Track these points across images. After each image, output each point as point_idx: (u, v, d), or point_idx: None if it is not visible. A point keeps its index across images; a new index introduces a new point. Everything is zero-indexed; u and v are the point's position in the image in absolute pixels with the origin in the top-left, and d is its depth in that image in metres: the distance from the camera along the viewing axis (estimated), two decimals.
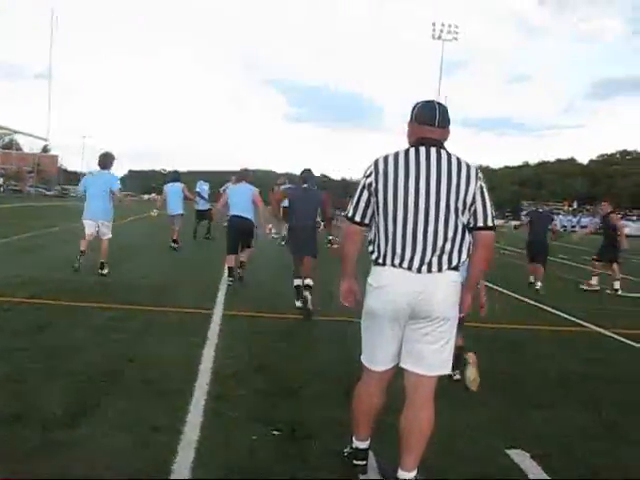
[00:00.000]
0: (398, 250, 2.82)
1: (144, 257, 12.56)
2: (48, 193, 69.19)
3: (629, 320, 8.84)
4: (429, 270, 2.80)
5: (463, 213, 2.84)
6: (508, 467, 3.44)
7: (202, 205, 16.77)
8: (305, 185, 8.07)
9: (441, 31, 60.75)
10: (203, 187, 17.06)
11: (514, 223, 25.92)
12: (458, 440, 3.70)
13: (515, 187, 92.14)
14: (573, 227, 48.26)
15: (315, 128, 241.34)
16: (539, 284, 11.15)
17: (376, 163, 2.89)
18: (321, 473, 3.23)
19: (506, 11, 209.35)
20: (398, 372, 3.03)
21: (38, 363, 4.64)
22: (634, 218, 66.44)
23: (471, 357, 4.63)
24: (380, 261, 2.86)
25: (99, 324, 6.06)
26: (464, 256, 2.87)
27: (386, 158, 2.88)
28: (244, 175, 9.90)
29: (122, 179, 11.32)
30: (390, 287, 2.82)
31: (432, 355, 2.86)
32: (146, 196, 77.14)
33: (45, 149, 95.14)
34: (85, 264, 9.41)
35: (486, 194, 2.87)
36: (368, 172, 2.90)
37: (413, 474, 2.92)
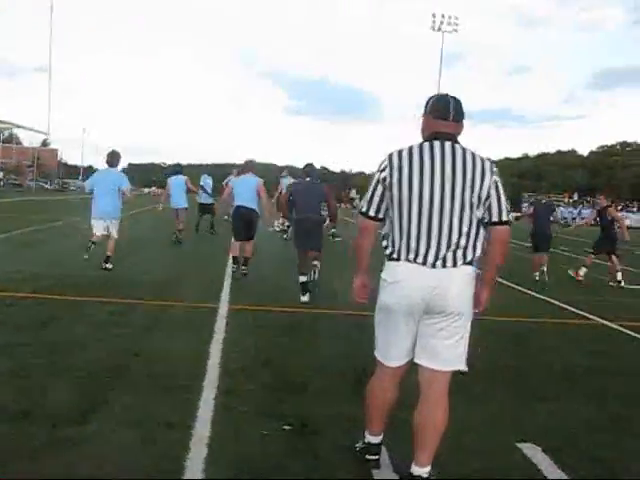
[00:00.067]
0: (413, 245, 2.79)
1: (147, 251, 12.53)
2: (48, 187, 69.13)
3: (633, 312, 8.81)
4: (444, 265, 2.77)
5: (478, 208, 2.81)
6: (520, 461, 3.42)
7: (205, 199, 16.70)
8: (308, 179, 8.27)
9: (441, 22, 60.40)
10: (207, 181, 16.97)
11: (515, 215, 25.92)
12: (468, 435, 3.67)
13: (515, 179, 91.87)
14: (574, 219, 48.26)
15: (314, 121, 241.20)
16: (544, 268, 11.27)
17: (390, 157, 2.86)
18: (333, 468, 3.21)
19: (506, 1, 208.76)
20: (410, 367, 3.02)
21: (42, 358, 4.63)
22: (634, 209, 66.47)
23: None
24: (394, 256, 2.84)
25: (103, 319, 6.05)
26: (478, 251, 2.85)
27: (400, 152, 2.85)
28: (249, 166, 9.97)
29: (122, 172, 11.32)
30: (405, 282, 2.80)
31: (447, 350, 2.84)
32: (146, 190, 77.02)
33: (45, 143, 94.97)
34: (89, 259, 9.43)
35: (501, 189, 2.85)
36: (382, 166, 2.87)
37: (427, 469, 2.90)
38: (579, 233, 19.28)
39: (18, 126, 32.30)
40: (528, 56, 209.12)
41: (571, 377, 5.26)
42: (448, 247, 2.78)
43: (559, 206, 52.69)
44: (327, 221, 9.51)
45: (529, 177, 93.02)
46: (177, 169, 14.95)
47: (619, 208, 65.70)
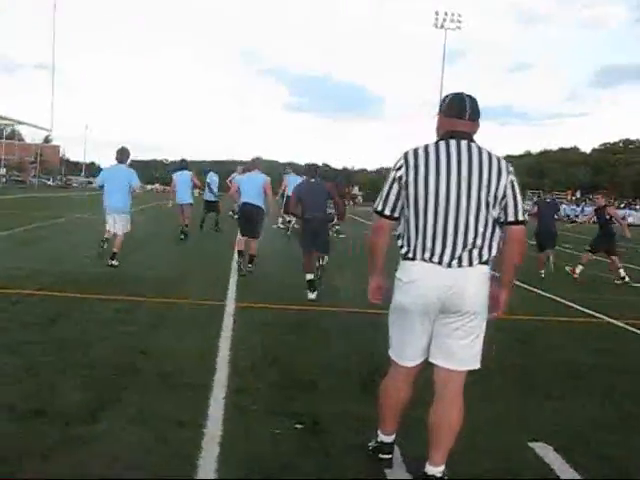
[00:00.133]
0: (428, 244, 2.78)
1: (152, 248, 12.51)
2: (51, 184, 69.13)
3: (638, 310, 8.79)
4: (459, 265, 2.76)
5: (494, 207, 2.80)
6: (532, 461, 3.42)
7: (211, 196, 16.63)
8: (313, 180, 8.39)
9: (444, 20, 60.21)
10: (214, 178, 16.90)
11: None
12: (479, 434, 3.66)
13: (517, 177, 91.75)
14: (577, 216, 48.18)
15: (316, 118, 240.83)
16: (551, 259, 11.48)
17: (406, 156, 2.84)
18: (346, 467, 3.20)
19: None
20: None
21: (51, 356, 4.63)
22: (637, 207, 66.33)
23: None
24: (410, 255, 2.82)
25: (110, 317, 6.05)
26: (494, 251, 2.83)
27: (416, 151, 2.83)
28: (256, 163, 10.09)
29: None
30: (420, 281, 2.78)
31: (462, 350, 2.83)
32: (149, 186, 76.91)
33: (47, 139, 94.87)
34: (94, 256, 9.42)
35: (517, 188, 2.83)
36: (398, 165, 2.85)
37: (441, 469, 2.89)
38: (581, 230, 19.28)
39: (21, 122, 32.27)
40: (530, 53, 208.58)
41: (578, 375, 5.25)
42: (464, 247, 2.77)
43: (562, 203, 52.62)
44: (335, 219, 9.63)
45: (531, 174, 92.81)
46: (183, 165, 14.92)
47: (622, 206, 65.88)
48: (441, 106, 2.93)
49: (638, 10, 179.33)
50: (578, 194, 70.85)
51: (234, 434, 3.47)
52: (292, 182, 15.68)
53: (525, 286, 10.12)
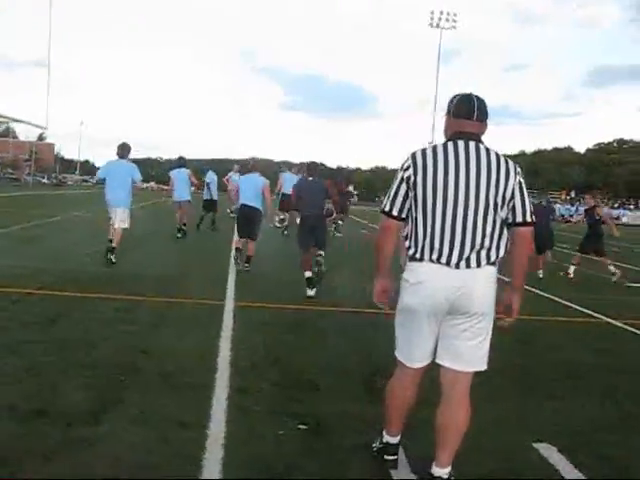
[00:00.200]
0: (436, 245, 2.76)
1: (150, 246, 12.45)
2: (45, 181, 68.85)
3: (636, 310, 8.81)
4: (467, 266, 2.75)
5: (502, 208, 2.79)
6: (537, 462, 3.42)
7: (210, 195, 16.59)
8: (311, 178, 8.63)
9: (439, 19, 60.38)
10: (213, 177, 16.88)
11: None
12: (484, 435, 3.64)
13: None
14: (571, 216, 48.36)
15: (311, 117, 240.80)
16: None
17: (414, 156, 2.83)
18: (351, 468, 3.20)
19: None
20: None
21: (52, 356, 4.59)
22: (632, 207, 66.62)
23: None
24: (417, 256, 2.81)
25: (110, 316, 6.01)
26: (502, 252, 2.82)
27: (424, 152, 2.82)
28: (256, 165, 10.32)
29: None
30: (428, 282, 2.77)
31: (470, 351, 2.82)
32: (145, 184, 76.58)
33: (41, 137, 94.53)
34: (92, 255, 9.39)
35: (525, 190, 2.83)
36: (406, 165, 2.83)
37: (447, 470, 2.89)
38: (577, 230, 19.40)
39: (16, 120, 32.08)
40: (525, 53, 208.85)
41: (579, 375, 5.26)
42: (472, 247, 2.76)
43: (556, 203, 52.78)
44: (333, 213, 9.83)
45: (526, 174, 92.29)
46: (181, 162, 14.88)
47: (616, 205, 66.10)
48: (449, 107, 2.92)
49: (631, 10, 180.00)
50: (572, 194, 71.04)
51: (238, 435, 3.45)
52: (288, 180, 15.69)
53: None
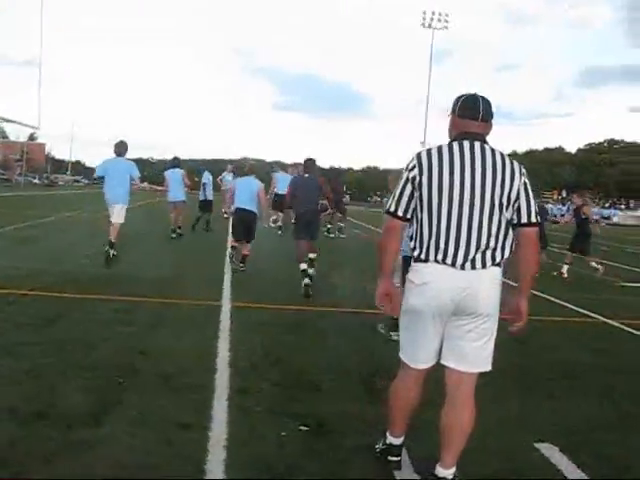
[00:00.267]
0: (442, 245, 2.76)
1: (146, 247, 12.37)
2: (37, 182, 68.47)
3: (632, 310, 8.85)
4: (473, 267, 2.74)
5: (507, 209, 2.79)
6: (539, 462, 3.42)
7: (206, 196, 16.58)
8: (307, 175, 8.94)
9: (431, 19, 60.40)
10: (209, 178, 16.88)
11: None
12: (486, 435, 3.65)
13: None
14: (562, 215, 48.57)
15: (303, 117, 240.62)
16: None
17: (419, 157, 2.82)
18: (354, 469, 3.19)
19: None
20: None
21: (51, 358, 4.56)
22: (622, 207, 66.97)
23: None
24: (422, 257, 2.80)
25: (107, 317, 5.98)
26: (507, 253, 2.82)
27: (429, 152, 2.82)
28: (252, 169, 10.44)
29: None
30: (434, 283, 2.77)
31: (475, 352, 2.82)
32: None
33: (32, 137, 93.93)
34: (89, 256, 9.35)
35: (530, 190, 2.82)
36: (411, 165, 2.83)
37: (452, 471, 2.89)
38: (568, 230, 19.54)
39: (8, 120, 31.82)
40: (517, 53, 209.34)
41: (576, 375, 5.28)
42: (477, 248, 2.75)
43: (547, 203, 52.98)
44: (328, 209, 10.14)
45: None
46: (175, 163, 14.85)
47: (607, 205, 66.45)
48: (454, 107, 2.91)
49: (623, 10, 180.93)
50: (564, 194, 71.37)
51: (239, 436, 3.44)
52: (280, 180, 15.68)
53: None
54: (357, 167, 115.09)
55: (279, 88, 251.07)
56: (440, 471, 2.89)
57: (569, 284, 11.36)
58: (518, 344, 6.26)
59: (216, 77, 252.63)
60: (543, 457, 3.47)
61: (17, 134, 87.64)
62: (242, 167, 11.12)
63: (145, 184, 11.97)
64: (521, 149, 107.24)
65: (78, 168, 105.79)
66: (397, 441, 3.16)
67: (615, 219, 56.54)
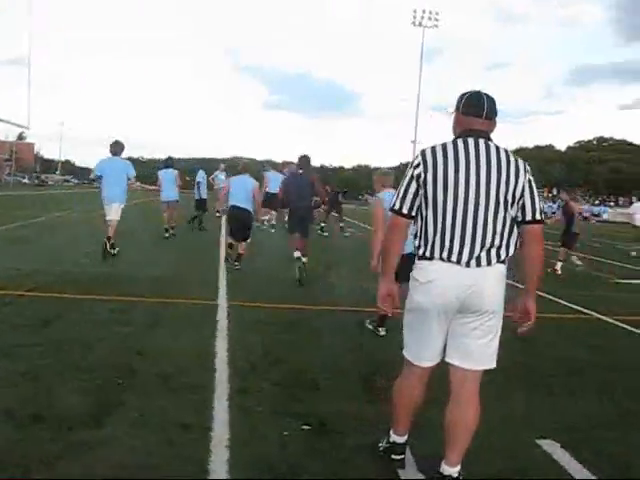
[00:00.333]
0: (447, 243, 2.75)
1: (141, 246, 12.28)
2: (26, 182, 68.02)
3: (625, 306, 8.88)
4: (478, 264, 2.74)
5: (512, 206, 2.78)
6: (542, 459, 3.43)
7: (201, 195, 16.59)
8: (301, 171, 9.25)
9: (422, 17, 60.48)
10: (204, 176, 16.90)
11: None
12: (489, 433, 3.65)
13: None
14: (553, 213, 48.81)
15: (294, 116, 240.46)
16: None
17: (423, 154, 2.81)
18: (358, 468, 3.18)
19: None
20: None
21: (47, 359, 4.52)
22: (612, 204, 67.34)
23: None
24: (427, 255, 2.79)
25: (104, 317, 5.94)
26: (511, 250, 2.82)
27: (434, 149, 2.81)
28: (246, 167, 10.54)
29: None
30: (439, 281, 2.76)
31: (479, 349, 2.81)
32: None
33: (21, 137, 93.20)
34: (85, 255, 9.31)
35: (534, 188, 2.82)
36: (416, 163, 2.81)
37: (457, 469, 2.88)
38: (558, 227, 19.65)
39: None
40: (507, 52, 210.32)
41: (574, 372, 5.29)
42: (482, 246, 2.75)
43: None
44: (321, 206, 10.51)
45: None
46: (168, 163, 14.80)
47: (597, 202, 66.80)
48: (458, 104, 2.90)
49: (613, 10, 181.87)
50: (555, 191, 71.65)
51: (242, 437, 3.42)
52: (272, 179, 15.67)
53: (512, 282, 10.19)
54: (348, 165, 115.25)
55: (270, 87, 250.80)
56: (445, 469, 2.88)
57: (563, 281, 11.40)
58: (517, 342, 6.28)
59: (206, 76, 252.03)
60: (545, 454, 3.48)
61: (6, 134, 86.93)
62: (235, 166, 11.15)
63: (137, 183, 11.95)
64: (511, 147, 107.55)
65: (68, 167, 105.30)
66: (401, 439, 3.16)
67: (605, 216, 56.87)
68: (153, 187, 14.93)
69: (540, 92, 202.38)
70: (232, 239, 10.10)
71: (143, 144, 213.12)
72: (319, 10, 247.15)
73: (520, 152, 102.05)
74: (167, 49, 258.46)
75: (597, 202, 69.18)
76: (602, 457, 3.53)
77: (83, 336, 5.21)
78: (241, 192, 9.77)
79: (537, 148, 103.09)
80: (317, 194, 9.71)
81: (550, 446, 3.56)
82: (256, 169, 17.45)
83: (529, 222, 2.82)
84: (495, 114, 2.88)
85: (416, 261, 2.87)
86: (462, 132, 2.84)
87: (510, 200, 2.76)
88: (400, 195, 2.85)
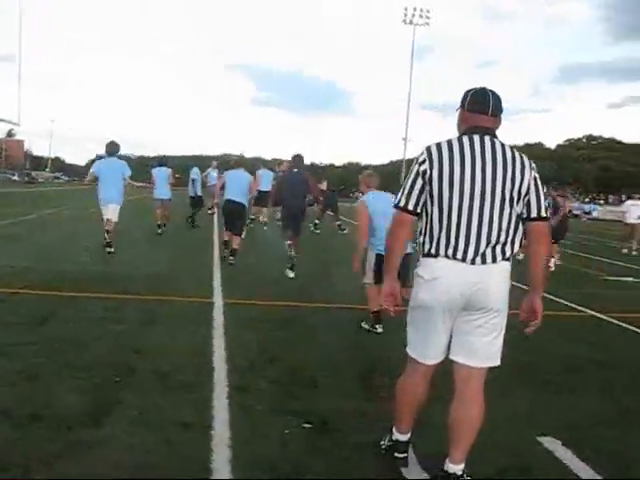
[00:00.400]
0: (452, 240, 2.73)
1: (134, 244, 12.15)
2: (16, 179, 67.54)
3: (619, 303, 8.89)
4: (483, 261, 2.72)
5: (517, 203, 2.76)
6: (544, 456, 3.42)
7: (196, 192, 16.51)
8: (295, 170, 9.44)
9: (413, 15, 60.54)
10: (198, 173, 16.83)
11: None
12: (492, 431, 3.64)
13: None
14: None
15: (284, 113, 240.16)
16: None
17: (429, 150, 2.78)
18: (360, 466, 3.16)
19: None
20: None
21: (43, 358, 4.47)
22: (602, 202, 67.69)
23: None
24: (432, 252, 2.77)
25: (99, 315, 5.88)
26: (516, 247, 2.81)
27: (439, 146, 2.78)
28: (241, 162, 10.82)
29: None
30: (444, 278, 2.74)
31: (485, 347, 2.80)
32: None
33: (10, 134, 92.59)
34: (77, 252, 9.26)
35: (540, 185, 2.80)
36: (421, 159, 2.78)
37: (461, 467, 2.86)
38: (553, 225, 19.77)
39: None
40: (496, 49, 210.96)
41: (573, 369, 5.29)
42: (488, 243, 2.73)
43: None
44: (314, 204, 10.88)
45: None
46: (162, 161, 14.84)
47: (586, 200, 67.10)
48: (463, 101, 2.88)
49: (601, 8, 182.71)
50: (545, 189, 72.06)
51: (243, 435, 3.39)
52: (264, 177, 15.65)
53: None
54: (338, 163, 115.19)
55: (260, 85, 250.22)
56: (450, 467, 2.87)
57: (555, 277, 11.42)
58: (516, 339, 6.26)
59: (196, 74, 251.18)
60: (547, 451, 3.47)
61: None
62: (228, 162, 11.26)
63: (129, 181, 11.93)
64: None
65: (57, 164, 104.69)
66: (404, 437, 3.13)
67: (595, 214, 57.16)
68: (141, 184, 14.99)
69: (529, 90, 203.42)
70: (227, 232, 10.24)
71: (133, 141, 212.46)
72: (310, 8, 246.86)
73: None
74: (157, 47, 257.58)
75: (587, 200, 69.46)
76: (603, 455, 3.51)
77: (78, 334, 5.16)
78: (237, 186, 9.92)
79: (527, 146, 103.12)
80: (310, 192, 9.81)
81: (551, 444, 3.55)
82: (250, 163, 17.42)
83: (534, 219, 2.80)
84: (500, 111, 2.86)
85: (420, 258, 2.85)
86: (467, 129, 2.82)
87: (516, 197, 2.75)
88: (405, 191, 2.82)
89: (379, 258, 5.82)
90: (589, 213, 56.22)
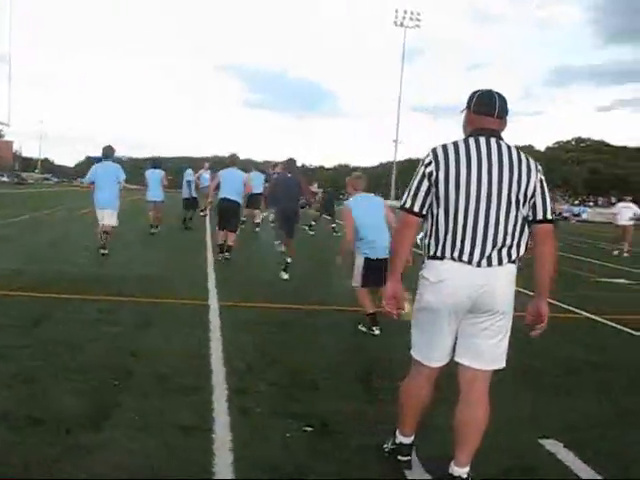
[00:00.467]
0: (458, 243, 2.71)
1: (128, 245, 12.05)
2: (6, 180, 67.10)
3: (613, 305, 8.92)
4: (489, 264, 2.70)
5: (523, 205, 2.75)
6: (546, 458, 3.41)
7: (190, 194, 16.52)
8: (289, 174, 9.60)
9: (404, 18, 60.78)
10: (192, 174, 16.82)
11: None
12: (495, 433, 3.63)
13: None
14: None
15: (275, 115, 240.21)
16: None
17: (435, 152, 2.76)
18: (363, 469, 3.14)
19: None
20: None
21: (39, 360, 4.42)
22: (591, 204, 68.11)
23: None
24: (438, 254, 2.75)
25: (93, 317, 5.82)
26: (522, 250, 2.79)
27: (445, 147, 2.76)
28: (234, 160, 10.80)
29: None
30: (450, 281, 2.72)
31: (490, 349, 2.79)
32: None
33: None
34: (70, 254, 9.18)
35: (545, 188, 2.79)
36: (427, 161, 2.76)
37: (466, 469, 2.85)
38: None
39: None
40: (486, 52, 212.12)
41: (572, 371, 5.28)
42: (494, 245, 2.71)
43: None
44: (306, 206, 11.15)
45: None
46: (155, 164, 14.85)
47: (576, 202, 67.47)
48: (469, 103, 2.86)
49: (591, 11, 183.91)
50: None
51: (243, 438, 3.36)
52: (255, 179, 15.62)
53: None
54: (328, 165, 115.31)
55: (250, 86, 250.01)
56: (455, 470, 2.85)
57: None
58: (515, 341, 6.26)
59: (186, 75, 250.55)
60: (549, 453, 3.46)
61: None
62: (221, 162, 11.36)
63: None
64: None
65: (47, 166, 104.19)
66: (407, 440, 3.11)
67: (584, 216, 57.46)
68: (134, 187, 15.07)
69: (519, 92, 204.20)
70: (221, 232, 10.33)
71: (123, 143, 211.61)
72: (301, 9, 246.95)
73: None
74: (148, 48, 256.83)
75: (577, 202, 69.87)
76: (604, 456, 3.51)
77: (73, 336, 5.11)
78: (231, 185, 10.07)
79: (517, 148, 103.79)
80: (303, 194, 9.98)
81: (553, 446, 3.54)
82: (241, 165, 17.44)
83: (540, 221, 2.79)
84: (506, 113, 2.85)
85: (426, 260, 2.83)
86: (473, 131, 2.81)
87: (522, 199, 2.73)
88: (411, 193, 2.79)
89: (367, 262, 5.81)
90: (578, 215, 56.49)
